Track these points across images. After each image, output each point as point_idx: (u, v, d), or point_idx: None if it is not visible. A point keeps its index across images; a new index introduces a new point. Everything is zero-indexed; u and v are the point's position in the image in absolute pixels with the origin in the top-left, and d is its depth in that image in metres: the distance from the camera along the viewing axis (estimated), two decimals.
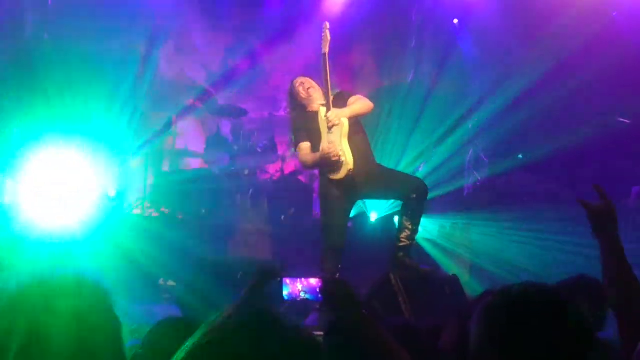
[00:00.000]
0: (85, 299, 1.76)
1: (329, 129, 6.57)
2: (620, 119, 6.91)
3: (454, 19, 10.63)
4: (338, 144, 6.53)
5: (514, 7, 9.55)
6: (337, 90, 6.89)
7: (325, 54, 6.59)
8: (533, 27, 9.24)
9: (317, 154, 6.56)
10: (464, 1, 9.91)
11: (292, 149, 6.92)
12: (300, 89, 6.76)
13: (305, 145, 6.66)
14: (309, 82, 6.81)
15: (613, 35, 8.90)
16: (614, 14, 9.18)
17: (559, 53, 9.09)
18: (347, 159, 6.49)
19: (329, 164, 6.51)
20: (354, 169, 6.51)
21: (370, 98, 7.50)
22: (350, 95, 6.82)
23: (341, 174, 6.52)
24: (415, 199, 6.54)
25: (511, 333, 1.78)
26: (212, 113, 10.39)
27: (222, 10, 10.59)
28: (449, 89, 10.11)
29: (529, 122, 7.87)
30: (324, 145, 6.53)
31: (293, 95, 6.85)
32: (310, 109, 6.77)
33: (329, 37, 6.66)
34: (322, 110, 6.64)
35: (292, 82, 6.90)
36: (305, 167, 6.92)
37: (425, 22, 10.58)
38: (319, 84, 6.80)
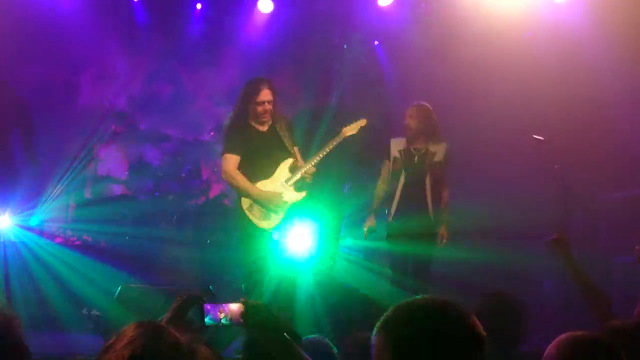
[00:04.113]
0: None
1: (290, 180, 6.46)
2: (535, 136, 7.10)
3: (374, 40, 10.78)
4: (289, 199, 6.46)
5: (431, 26, 9.76)
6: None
7: (343, 136, 6.64)
8: (451, 45, 9.44)
9: (255, 189, 6.41)
10: (383, 23, 10.07)
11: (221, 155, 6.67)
12: (260, 109, 6.44)
13: (235, 159, 6.47)
14: (271, 108, 6.49)
15: (529, 52, 9.17)
16: (529, 34, 9.44)
17: (478, 69, 9.31)
18: (279, 217, 6.47)
19: (265, 207, 6.42)
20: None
21: (295, 120, 7.53)
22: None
23: (267, 225, 6.47)
24: (333, 220, 6.59)
25: (401, 340, 1.89)
26: (135, 139, 10.27)
27: (142, 34, 10.51)
28: (374, 109, 10.21)
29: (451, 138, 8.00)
30: (271, 189, 6.44)
31: (247, 102, 6.51)
32: (255, 124, 6.57)
33: (355, 131, 6.68)
34: (288, 162, 6.52)
35: (258, 88, 6.46)
36: (227, 179, 6.61)
37: (347, 43, 10.70)
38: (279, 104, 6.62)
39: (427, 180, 7.17)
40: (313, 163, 6.54)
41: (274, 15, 10.10)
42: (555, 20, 9.09)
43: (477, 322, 1.91)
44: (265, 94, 6.46)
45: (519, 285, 7.36)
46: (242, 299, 2.79)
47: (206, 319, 2.82)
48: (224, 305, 2.83)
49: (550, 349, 2.55)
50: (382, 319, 1.96)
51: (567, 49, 9.05)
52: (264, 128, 6.60)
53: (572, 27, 8.89)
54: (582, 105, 8.95)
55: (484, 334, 1.90)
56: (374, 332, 1.95)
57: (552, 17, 9.10)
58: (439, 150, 7.25)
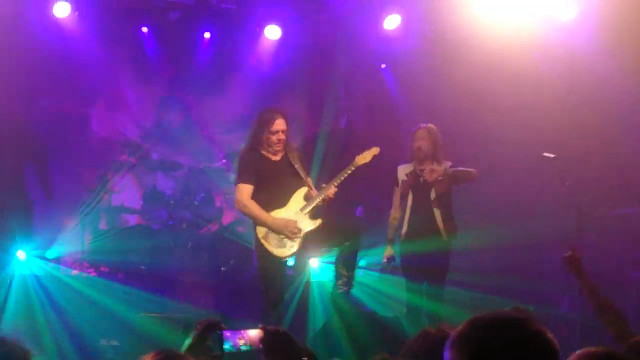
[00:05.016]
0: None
1: (305, 209, 6.48)
2: (546, 154, 7.12)
3: (381, 64, 10.85)
4: (304, 227, 6.47)
5: (438, 49, 9.81)
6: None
7: (357, 164, 6.66)
8: (458, 67, 9.48)
9: (270, 218, 6.40)
10: (390, 47, 10.13)
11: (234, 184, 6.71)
12: (274, 138, 6.50)
13: (249, 188, 6.49)
14: (285, 137, 6.55)
15: (538, 72, 9.20)
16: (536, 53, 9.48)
17: (485, 90, 9.35)
18: (298, 245, 6.49)
19: (280, 235, 6.42)
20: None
21: (305, 144, 7.54)
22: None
23: (282, 253, 6.48)
24: (350, 246, 6.58)
25: (480, 355, 1.90)
26: (147, 168, 10.35)
27: (152, 64, 10.61)
28: (381, 131, 10.26)
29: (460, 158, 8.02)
30: (287, 217, 6.44)
31: (261, 131, 6.55)
32: (267, 154, 6.61)
33: (368, 159, 6.71)
34: (303, 191, 6.55)
35: (272, 117, 6.53)
36: (241, 208, 6.64)
37: (353, 68, 10.77)
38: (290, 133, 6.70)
39: (432, 197, 7.20)
40: (327, 192, 6.55)
41: (281, 42, 10.18)
42: (563, 39, 9.09)
43: (552, 336, 1.95)
44: (280, 123, 6.53)
45: (536, 303, 7.34)
46: (260, 325, 2.82)
47: (225, 346, 2.86)
48: (242, 331, 2.87)
49: None
50: (455, 334, 1.96)
51: (576, 67, 9.06)
52: (277, 157, 6.65)
53: (580, 45, 8.89)
54: (592, 122, 8.96)
55: (558, 347, 1.94)
56: (447, 346, 1.96)
57: (560, 35, 9.09)
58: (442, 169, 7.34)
